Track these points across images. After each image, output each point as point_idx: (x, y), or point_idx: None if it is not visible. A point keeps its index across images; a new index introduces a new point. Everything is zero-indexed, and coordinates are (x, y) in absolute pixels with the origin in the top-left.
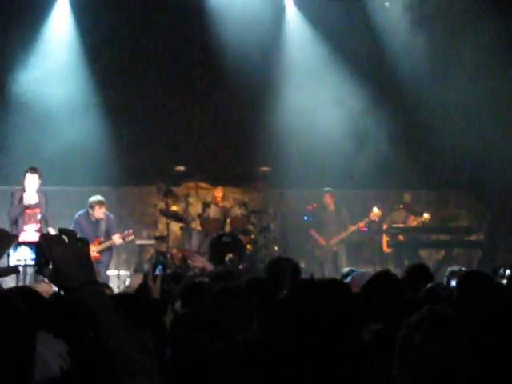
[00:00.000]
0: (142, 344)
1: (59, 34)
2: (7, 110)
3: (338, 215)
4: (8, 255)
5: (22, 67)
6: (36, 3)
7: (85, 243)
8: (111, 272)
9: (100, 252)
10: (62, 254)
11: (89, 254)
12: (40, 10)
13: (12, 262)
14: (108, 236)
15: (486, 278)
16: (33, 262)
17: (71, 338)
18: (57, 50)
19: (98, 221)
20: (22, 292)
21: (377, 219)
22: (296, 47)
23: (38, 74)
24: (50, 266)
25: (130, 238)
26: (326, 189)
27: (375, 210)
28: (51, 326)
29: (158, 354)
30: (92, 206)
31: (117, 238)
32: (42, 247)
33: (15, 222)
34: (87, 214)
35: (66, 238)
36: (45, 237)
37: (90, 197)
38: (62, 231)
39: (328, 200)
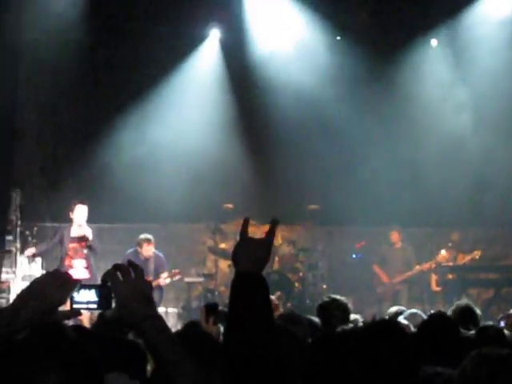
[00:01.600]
0: (204, 378)
1: None
2: None
3: (404, 253)
4: (72, 298)
5: None
6: None
7: (149, 285)
8: (159, 309)
9: None
10: (127, 287)
11: (151, 291)
12: None
13: (74, 305)
14: (157, 275)
15: None
16: (95, 306)
17: (145, 378)
18: None
19: (146, 259)
20: (85, 333)
21: (444, 262)
22: None
23: None
24: (113, 306)
25: (177, 278)
26: (395, 226)
27: (443, 252)
28: (124, 366)
29: None
30: (140, 244)
31: (163, 279)
32: (105, 289)
33: (61, 259)
34: (136, 253)
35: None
36: (110, 273)
37: (138, 234)
38: (130, 264)
39: (395, 237)
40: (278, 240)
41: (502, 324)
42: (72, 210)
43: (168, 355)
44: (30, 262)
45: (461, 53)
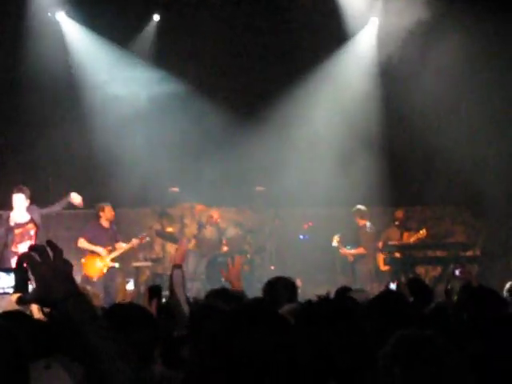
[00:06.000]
0: (128, 354)
1: None
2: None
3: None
4: None
5: None
6: None
7: (69, 264)
8: None
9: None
10: (46, 268)
11: (71, 270)
12: None
13: None
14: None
15: (494, 294)
16: (11, 290)
17: (86, 360)
18: None
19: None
20: (18, 318)
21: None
22: None
23: None
24: (30, 288)
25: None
26: (359, 207)
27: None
28: (67, 349)
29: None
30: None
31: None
32: (21, 272)
33: (5, 245)
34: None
35: (50, 252)
36: (26, 255)
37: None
38: (49, 243)
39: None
40: (224, 222)
41: (457, 273)
42: (11, 198)
43: (92, 333)
44: None
45: None
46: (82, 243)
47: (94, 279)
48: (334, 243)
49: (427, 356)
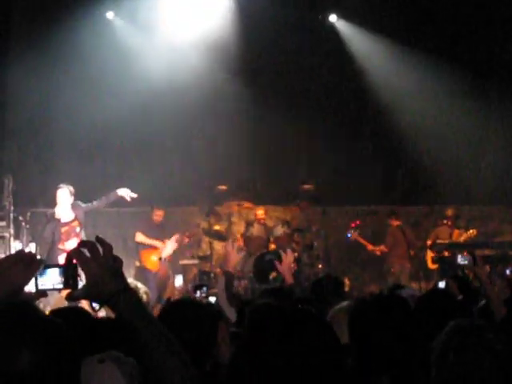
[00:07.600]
0: (179, 351)
1: None
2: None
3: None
4: (36, 279)
5: None
6: None
7: (118, 261)
8: None
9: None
10: (95, 264)
11: (121, 265)
12: None
13: (40, 286)
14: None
15: None
16: (61, 286)
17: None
18: None
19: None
20: (73, 314)
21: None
22: None
23: None
24: (80, 286)
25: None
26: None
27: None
28: (118, 345)
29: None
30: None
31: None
32: (70, 268)
33: (52, 242)
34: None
35: (100, 248)
36: (76, 251)
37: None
38: (98, 239)
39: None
40: (272, 220)
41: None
42: (56, 194)
43: (143, 330)
44: (24, 248)
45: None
46: (140, 237)
47: (153, 272)
48: (349, 234)
49: (479, 343)
